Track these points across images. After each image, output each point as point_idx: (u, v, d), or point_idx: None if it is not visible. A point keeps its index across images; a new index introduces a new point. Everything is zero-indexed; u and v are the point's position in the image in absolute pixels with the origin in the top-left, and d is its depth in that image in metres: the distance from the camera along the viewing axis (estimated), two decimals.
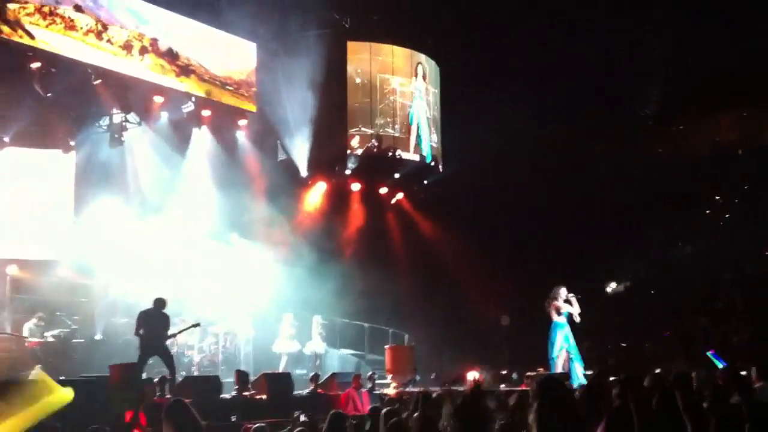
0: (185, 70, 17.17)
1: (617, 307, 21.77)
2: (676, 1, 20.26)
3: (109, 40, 15.68)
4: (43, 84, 14.94)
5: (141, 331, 12.51)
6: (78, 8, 15.19)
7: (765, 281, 20.82)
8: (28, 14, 14.41)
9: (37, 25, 14.53)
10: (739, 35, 19.82)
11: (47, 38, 14.68)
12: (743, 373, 8.50)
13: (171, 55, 16.91)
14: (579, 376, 14.44)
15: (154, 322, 12.63)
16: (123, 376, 11.84)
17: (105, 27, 15.64)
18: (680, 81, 21.56)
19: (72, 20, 15.09)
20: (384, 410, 5.84)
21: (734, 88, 21.53)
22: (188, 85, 17.29)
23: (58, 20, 14.88)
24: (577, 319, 15.01)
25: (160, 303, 12.81)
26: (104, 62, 15.65)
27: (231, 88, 18.23)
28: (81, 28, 15.21)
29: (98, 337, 16.02)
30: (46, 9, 14.67)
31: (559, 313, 14.96)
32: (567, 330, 14.97)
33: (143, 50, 16.29)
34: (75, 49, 15.19)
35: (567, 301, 15.08)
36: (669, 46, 20.43)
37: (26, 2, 14.38)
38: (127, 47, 16.03)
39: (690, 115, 23.29)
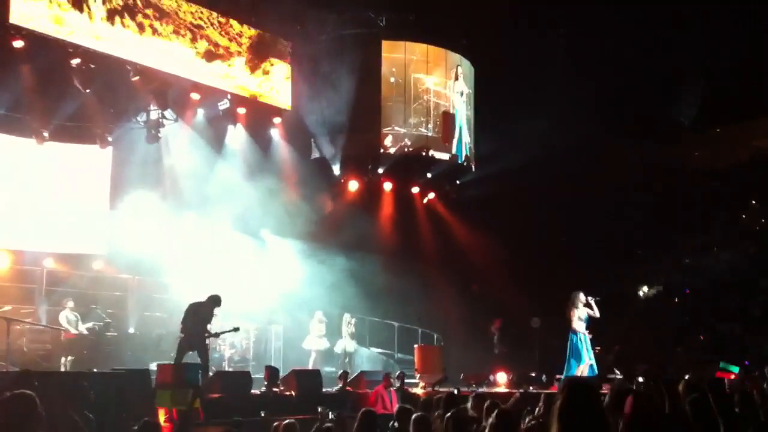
0: (221, 66, 17.33)
1: (650, 312, 21.56)
2: (716, 4, 19.98)
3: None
4: (83, 80, 15.14)
5: (188, 323, 12.19)
6: None
7: None
8: None
9: None
10: None
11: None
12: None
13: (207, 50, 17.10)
14: None
15: (199, 318, 12.26)
16: (174, 376, 11.29)
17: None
18: (718, 84, 21.27)
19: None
20: (413, 416, 5.85)
21: None
22: (226, 81, 17.43)
23: None
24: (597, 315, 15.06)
25: (214, 300, 12.37)
26: (144, 58, 15.82)
27: (267, 86, 18.33)
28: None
29: (131, 330, 16.21)
30: None
31: (579, 320, 14.96)
32: (584, 338, 14.98)
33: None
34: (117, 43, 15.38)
35: (587, 305, 15.05)
36: (707, 49, 20.15)
37: None
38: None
39: (727, 119, 22.97)
